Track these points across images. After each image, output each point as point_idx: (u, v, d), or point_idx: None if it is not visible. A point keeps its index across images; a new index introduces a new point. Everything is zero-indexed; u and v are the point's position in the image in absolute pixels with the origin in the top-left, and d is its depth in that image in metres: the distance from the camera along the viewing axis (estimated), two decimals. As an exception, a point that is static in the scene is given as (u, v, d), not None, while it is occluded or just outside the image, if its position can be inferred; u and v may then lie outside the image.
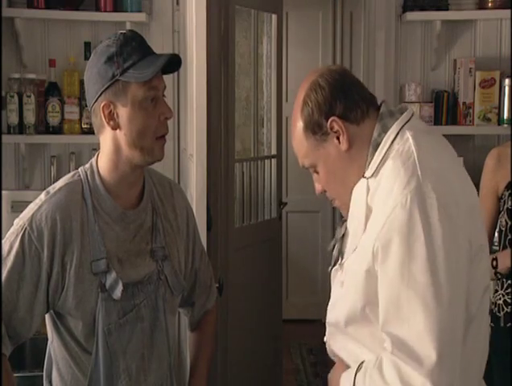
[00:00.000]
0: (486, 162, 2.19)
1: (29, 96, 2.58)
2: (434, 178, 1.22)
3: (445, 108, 2.71)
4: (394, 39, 2.77)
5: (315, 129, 1.33)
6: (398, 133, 1.29)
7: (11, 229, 1.39)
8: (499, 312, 2.10)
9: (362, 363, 1.26)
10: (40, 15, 2.65)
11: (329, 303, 1.40)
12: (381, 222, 1.21)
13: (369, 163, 1.30)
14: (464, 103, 2.69)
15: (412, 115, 1.34)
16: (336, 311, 1.35)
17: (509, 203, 2.09)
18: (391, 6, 2.76)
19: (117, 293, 1.40)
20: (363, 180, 1.31)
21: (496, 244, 2.31)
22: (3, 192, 2.63)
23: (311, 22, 4.78)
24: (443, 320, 1.15)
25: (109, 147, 1.42)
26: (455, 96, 2.71)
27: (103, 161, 1.44)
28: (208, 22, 2.09)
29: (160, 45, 2.74)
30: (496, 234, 2.30)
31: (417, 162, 1.23)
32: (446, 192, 1.21)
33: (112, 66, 1.37)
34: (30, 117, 2.59)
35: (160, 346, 1.49)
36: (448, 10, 2.71)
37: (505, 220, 2.11)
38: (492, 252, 2.27)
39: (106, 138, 1.41)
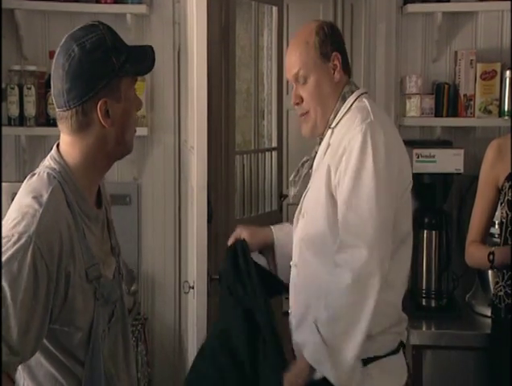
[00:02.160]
0: (486, 153, 2.19)
1: (29, 88, 2.57)
2: (381, 123, 1.68)
3: (446, 100, 2.70)
4: (395, 31, 2.75)
5: (322, 51, 1.75)
6: (356, 99, 1.75)
7: (14, 245, 1.23)
8: (500, 304, 2.10)
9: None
10: (40, 7, 2.64)
11: (294, 231, 1.81)
12: (341, 151, 1.64)
13: (335, 115, 1.75)
14: (464, 95, 2.68)
15: (366, 92, 1.81)
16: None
17: (510, 194, 2.08)
18: (392, -3, 2.75)
19: (114, 297, 1.38)
20: (329, 130, 1.75)
21: (496, 236, 2.31)
22: (3, 184, 2.63)
23: (311, 14, 4.77)
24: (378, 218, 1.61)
25: (92, 144, 1.34)
26: (456, 87, 2.70)
27: (77, 159, 1.35)
28: (208, 14, 2.09)
29: (161, 37, 2.73)
30: (496, 226, 2.30)
31: (370, 112, 1.69)
32: (390, 134, 1.69)
33: (109, 61, 1.32)
34: (30, 109, 2.59)
35: (130, 342, 1.49)
36: (449, 1, 2.70)
37: (506, 212, 2.10)
38: (492, 244, 2.27)
39: (90, 136, 1.34)
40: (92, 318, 1.33)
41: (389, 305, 1.71)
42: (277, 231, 1.96)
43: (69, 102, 1.32)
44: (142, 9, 2.65)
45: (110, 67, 1.32)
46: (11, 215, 1.28)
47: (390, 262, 1.66)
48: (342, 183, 1.64)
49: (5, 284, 1.19)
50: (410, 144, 2.61)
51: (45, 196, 1.29)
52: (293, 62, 1.77)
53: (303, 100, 1.78)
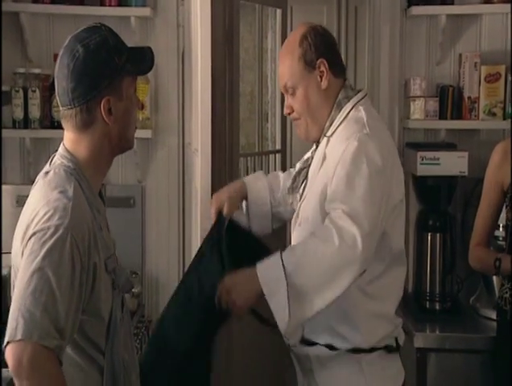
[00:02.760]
0: (492, 156, 2.18)
1: (34, 91, 2.58)
2: (377, 134, 1.66)
3: (450, 103, 2.70)
4: (399, 33, 2.75)
5: (306, 60, 1.72)
6: (353, 107, 1.72)
7: (52, 236, 1.27)
8: (505, 306, 2.10)
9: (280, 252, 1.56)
10: (45, 10, 2.65)
11: (292, 237, 1.78)
12: (337, 156, 1.61)
13: (331, 123, 1.72)
14: (469, 97, 2.67)
15: (365, 95, 1.77)
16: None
17: (515, 198, 2.08)
18: (396, 0, 2.75)
19: (127, 287, 1.45)
20: (324, 139, 1.73)
21: (501, 238, 2.31)
22: (8, 186, 2.65)
23: (315, 16, 4.76)
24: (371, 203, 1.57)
25: (96, 141, 1.40)
26: (460, 90, 2.69)
27: (84, 155, 1.41)
28: (212, 17, 2.09)
29: (165, 40, 2.74)
30: (501, 229, 2.29)
31: (366, 124, 1.66)
32: (385, 146, 1.65)
33: (112, 61, 1.38)
34: (35, 112, 2.59)
35: (132, 333, 1.55)
36: (453, 4, 2.70)
37: (511, 215, 2.10)
38: (497, 247, 2.27)
39: (95, 133, 1.40)
40: (111, 308, 1.38)
41: (383, 317, 1.73)
42: (250, 184, 1.97)
43: (74, 100, 1.37)
44: (146, 12, 2.66)
45: (113, 67, 1.38)
46: (40, 210, 1.31)
47: (385, 277, 1.68)
48: (335, 186, 1.60)
49: (49, 272, 1.24)
50: (414, 146, 2.61)
51: (70, 191, 1.34)
52: (281, 73, 1.78)
53: (293, 110, 1.78)
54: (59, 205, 1.30)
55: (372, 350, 1.69)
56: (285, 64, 1.77)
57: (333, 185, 1.61)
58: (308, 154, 1.86)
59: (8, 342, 1.21)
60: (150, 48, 1.48)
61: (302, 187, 1.83)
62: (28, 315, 1.20)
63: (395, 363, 1.77)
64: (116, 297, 1.41)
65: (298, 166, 1.88)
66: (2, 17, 2.42)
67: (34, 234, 1.28)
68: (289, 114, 1.80)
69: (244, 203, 1.98)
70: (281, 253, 1.55)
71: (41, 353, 1.20)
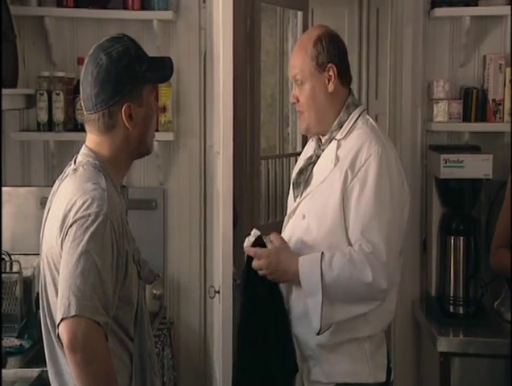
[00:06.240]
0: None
1: (58, 94, 2.61)
2: (388, 144, 1.83)
3: (474, 105, 2.67)
4: (422, 35, 2.73)
5: (318, 61, 1.81)
6: (360, 114, 1.84)
7: (93, 223, 1.35)
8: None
9: (323, 253, 1.72)
10: (69, 14, 2.67)
11: (286, 230, 1.95)
12: (358, 164, 1.74)
13: (340, 127, 1.82)
14: (493, 100, 2.64)
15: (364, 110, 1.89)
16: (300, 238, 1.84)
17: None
18: (419, 2, 2.72)
19: (150, 277, 1.56)
20: (334, 141, 1.83)
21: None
22: (33, 188, 2.71)
23: (336, 19, 4.75)
24: (394, 233, 1.75)
25: (117, 144, 1.49)
26: (484, 92, 2.66)
27: (106, 156, 1.49)
28: (234, 20, 2.09)
29: (187, 43, 2.75)
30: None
31: (380, 133, 1.82)
32: (396, 156, 1.83)
33: (133, 69, 1.46)
34: (59, 115, 2.62)
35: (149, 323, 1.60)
36: (477, 5, 2.67)
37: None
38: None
39: (116, 136, 1.48)
40: (138, 297, 1.47)
41: (388, 309, 1.83)
42: None
43: (97, 105, 1.46)
44: (168, 15, 2.67)
45: (134, 75, 1.47)
46: (78, 200, 1.39)
47: None
48: (359, 202, 1.73)
49: (95, 255, 1.33)
50: (437, 149, 2.59)
51: (103, 182, 1.43)
52: (293, 64, 1.89)
53: (299, 101, 1.86)
54: (96, 194, 1.39)
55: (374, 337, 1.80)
56: (298, 58, 1.86)
57: (361, 205, 1.73)
58: (310, 152, 1.93)
59: (62, 320, 1.30)
60: (169, 58, 1.56)
61: (303, 184, 1.89)
62: (80, 294, 1.30)
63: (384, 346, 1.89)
64: (140, 286, 1.49)
65: (301, 162, 1.95)
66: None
67: (75, 222, 1.36)
68: (293, 103, 1.89)
69: None
70: (321, 261, 1.71)
71: (93, 328, 1.30)
